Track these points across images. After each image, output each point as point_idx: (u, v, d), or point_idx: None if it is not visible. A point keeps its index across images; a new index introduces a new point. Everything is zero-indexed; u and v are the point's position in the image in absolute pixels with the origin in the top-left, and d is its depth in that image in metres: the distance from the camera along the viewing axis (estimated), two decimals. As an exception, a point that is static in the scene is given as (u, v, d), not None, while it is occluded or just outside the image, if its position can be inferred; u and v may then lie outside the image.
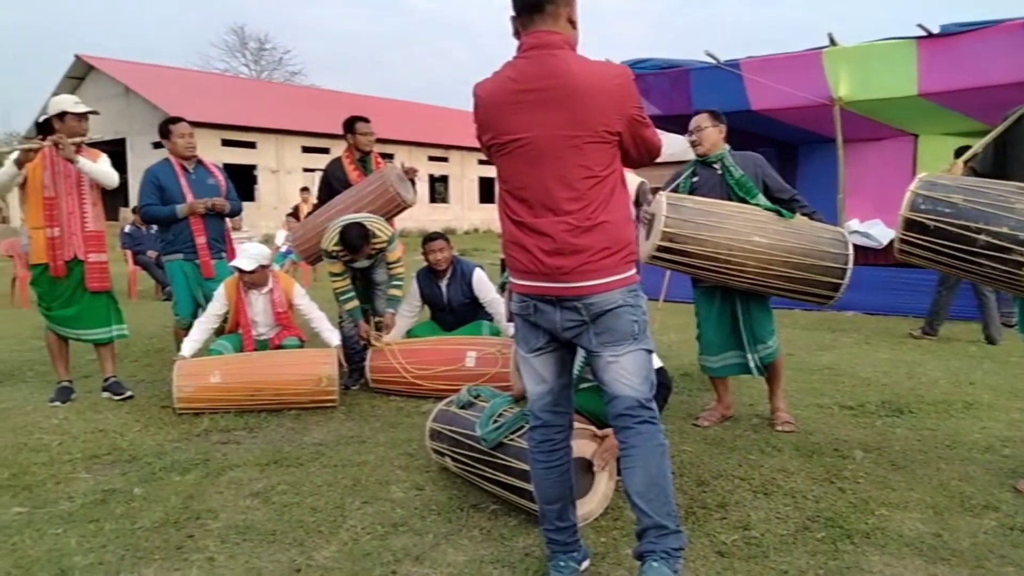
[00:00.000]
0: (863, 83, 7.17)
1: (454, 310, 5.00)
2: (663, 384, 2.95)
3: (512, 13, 2.15)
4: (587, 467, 2.69)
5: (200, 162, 4.85)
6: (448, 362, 4.40)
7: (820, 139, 9.08)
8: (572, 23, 2.14)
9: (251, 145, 25.91)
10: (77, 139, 4.22)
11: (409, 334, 5.12)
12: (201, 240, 4.68)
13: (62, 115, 4.24)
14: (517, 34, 2.16)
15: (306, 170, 26.55)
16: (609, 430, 2.74)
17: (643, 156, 2.19)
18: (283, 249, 10.15)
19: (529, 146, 2.08)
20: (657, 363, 2.98)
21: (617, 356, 2.09)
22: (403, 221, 5.13)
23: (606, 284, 2.07)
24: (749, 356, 3.79)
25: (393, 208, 4.92)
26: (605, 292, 2.06)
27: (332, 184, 5.22)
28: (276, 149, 26.32)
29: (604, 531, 2.62)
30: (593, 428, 2.77)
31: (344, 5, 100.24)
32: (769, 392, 3.95)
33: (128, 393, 4.44)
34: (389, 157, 5.46)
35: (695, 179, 3.80)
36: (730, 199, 3.64)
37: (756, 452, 3.42)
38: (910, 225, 2.84)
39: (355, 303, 4.77)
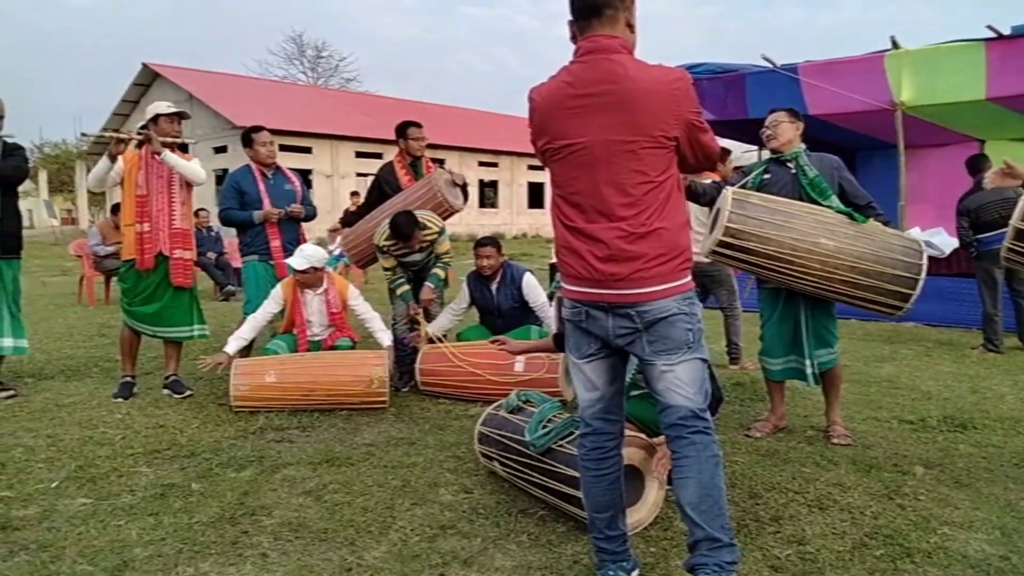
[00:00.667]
0: (927, 87, 6.95)
1: (503, 314, 5.02)
2: (713, 394, 2.89)
3: (569, 17, 2.13)
4: (637, 475, 2.67)
5: (278, 168, 5.04)
6: (497, 367, 4.41)
7: (880, 145, 8.84)
8: (630, 27, 2.12)
9: (307, 150, 26.49)
10: (168, 139, 4.41)
11: (459, 337, 5.17)
12: (276, 243, 4.85)
13: (156, 118, 4.44)
14: (574, 38, 2.14)
15: (359, 175, 27.01)
16: (663, 438, 2.71)
17: (700, 161, 2.16)
18: (336, 252, 10.32)
19: (584, 151, 2.06)
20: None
21: (671, 365, 2.06)
22: (452, 226, 5.19)
23: (660, 292, 2.03)
24: (807, 362, 3.69)
25: (441, 213, 5.00)
26: (659, 300, 2.03)
27: (383, 188, 5.32)
28: (331, 154, 26.86)
29: (654, 541, 2.59)
30: (644, 436, 2.74)
31: (398, 13, 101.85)
32: (825, 404, 3.85)
33: (188, 392, 4.57)
34: (440, 162, 5.51)
35: (766, 176, 3.69)
36: (801, 199, 3.53)
37: (811, 465, 3.33)
38: (1019, 235, 2.99)
39: (407, 287, 4.92)
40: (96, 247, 8.91)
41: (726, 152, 5.01)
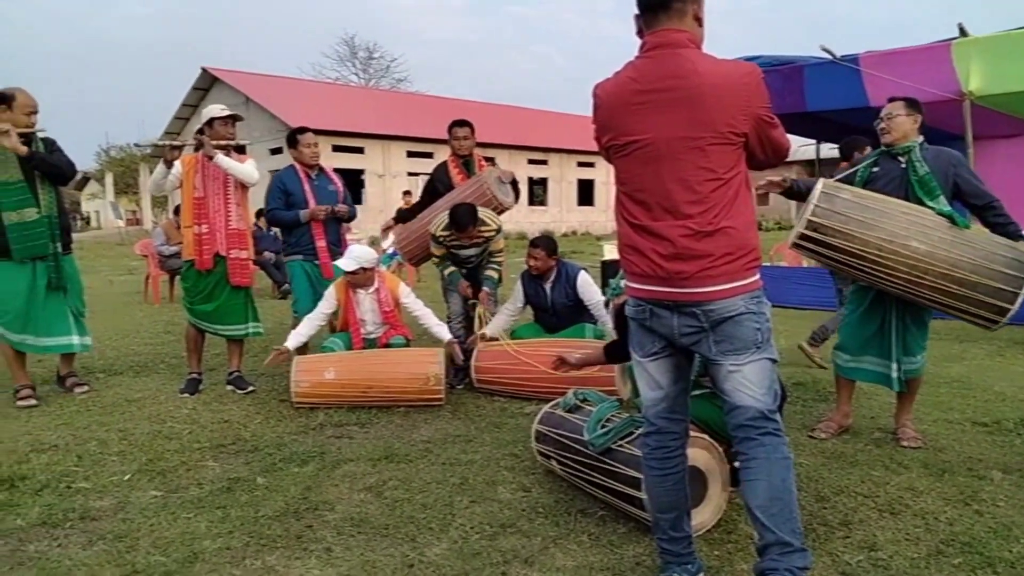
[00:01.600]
0: (997, 76, 6.67)
1: (557, 312, 5.00)
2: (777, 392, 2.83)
3: (635, 11, 2.09)
4: (700, 477, 2.62)
5: (322, 169, 5.13)
6: (551, 364, 4.38)
7: (947, 136, 8.48)
8: (698, 21, 2.08)
9: (359, 151, 26.89)
10: (223, 141, 4.53)
11: (512, 335, 5.16)
12: (321, 243, 4.93)
13: (210, 122, 4.56)
14: (640, 32, 2.10)
15: (410, 174, 27.29)
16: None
17: (770, 158, 2.11)
18: (389, 251, 10.45)
19: (649, 147, 2.03)
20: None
21: (739, 365, 2.02)
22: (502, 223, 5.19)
23: (727, 290, 1.99)
24: (893, 367, 3.53)
25: (491, 210, 5.00)
26: (725, 299, 1.99)
27: (437, 187, 5.37)
28: (383, 154, 27.21)
29: (717, 544, 2.54)
30: (706, 437, 2.69)
31: (446, 14, 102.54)
32: (897, 405, 3.72)
33: (251, 388, 4.69)
34: (491, 160, 5.52)
35: (875, 169, 3.54)
36: (907, 197, 3.38)
37: (880, 468, 3.22)
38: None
39: (453, 269, 4.99)
40: (161, 247, 9.22)
41: None
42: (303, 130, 5.12)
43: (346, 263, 4.60)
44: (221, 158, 4.47)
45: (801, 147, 24.52)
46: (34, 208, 4.30)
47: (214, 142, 4.47)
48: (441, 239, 4.83)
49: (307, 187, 4.98)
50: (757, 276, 2.06)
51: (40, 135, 4.40)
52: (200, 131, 4.58)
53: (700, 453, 2.61)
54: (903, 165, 3.46)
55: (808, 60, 7.65)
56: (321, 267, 4.96)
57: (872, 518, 2.72)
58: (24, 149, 4.18)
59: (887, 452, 3.44)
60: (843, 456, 3.40)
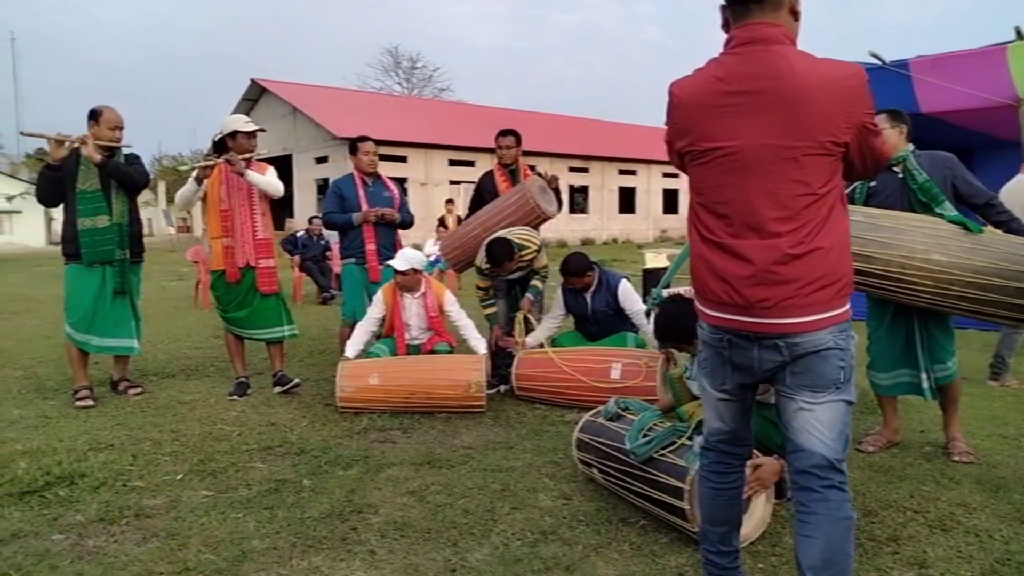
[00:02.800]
0: (1057, 80, 6.44)
1: (598, 321, 4.99)
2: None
3: (722, 2, 1.92)
4: (743, 488, 2.59)
5: (379, 177, 5.26)
6: (593, 373, 4.40)
7: (1001, 143, 8.25)
8: (795, 14, 1.88)
9: (402, 159, 27.20)
10: (247, 155, 4.64)
11: (554, 343, 5.18)
12: (371, 247, 5.05)
13: (233, 134, 4.67)
14: (726, 26, 1.90)
15: (452, 182, 27.51)
16: (762, 459, 2.62)
17: (869, 169, 1.91)
18: (432, 258, 10.57)
19: (735, 156, 1.83)
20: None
21: (813, 404, 1.83)
22: (542, 231, 5.20)
23: (815, 322, 1.79)
24: (923, 376, 3.49)
25: (534, 219, 5.03)
26: (813, 331, 1.79)
27: (483, 195, 5.41)
28: (425, 163, 27.48)
29: (761, 556, 2.52)
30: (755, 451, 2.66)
31: (489, 22, 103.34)
32: (944, 419, 3.63)
33: (296, 381, 4.83)
34: (534, 169, 5.55)
35: (872, 184, 3.50)
36: (912, 207, 3.35)
37: (930, 483, 3.14)
38: None
39: (494, 309, 5.00)
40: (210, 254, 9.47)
41: None
42: (364, 139, 5.26)
43: (399, 263, 4.69)
44: (250, 174, 4.58)
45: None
46: (106, 216, 4.51)
47: (238, 155, 4.57)
48: (485, 271, 4.87)
49: (362, 193, 5.12)
50: (848, 306, 1.85)
51: (125, 150, 4.65)
52: (222, 141, 4.69)
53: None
54: (900, 175, 3.42)
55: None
56: (369, 270, 5.06)
57: (922, 534, 2.65)
58: (99, 157, 4.40)
59: (937, 467, 3.35)
60: (891, 470, 3.33)
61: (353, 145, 5.24)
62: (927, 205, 3.32)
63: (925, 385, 3.50)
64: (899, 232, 3.17)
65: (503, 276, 4.92)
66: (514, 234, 4.78)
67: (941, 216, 3.26)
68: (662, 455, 2.72)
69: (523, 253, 4.78)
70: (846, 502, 1.85)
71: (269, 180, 4.71)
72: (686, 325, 2.93)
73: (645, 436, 2.82)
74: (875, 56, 7.28)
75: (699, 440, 2.61)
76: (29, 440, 3.79)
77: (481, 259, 4.84)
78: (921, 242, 3.14)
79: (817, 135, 1.77)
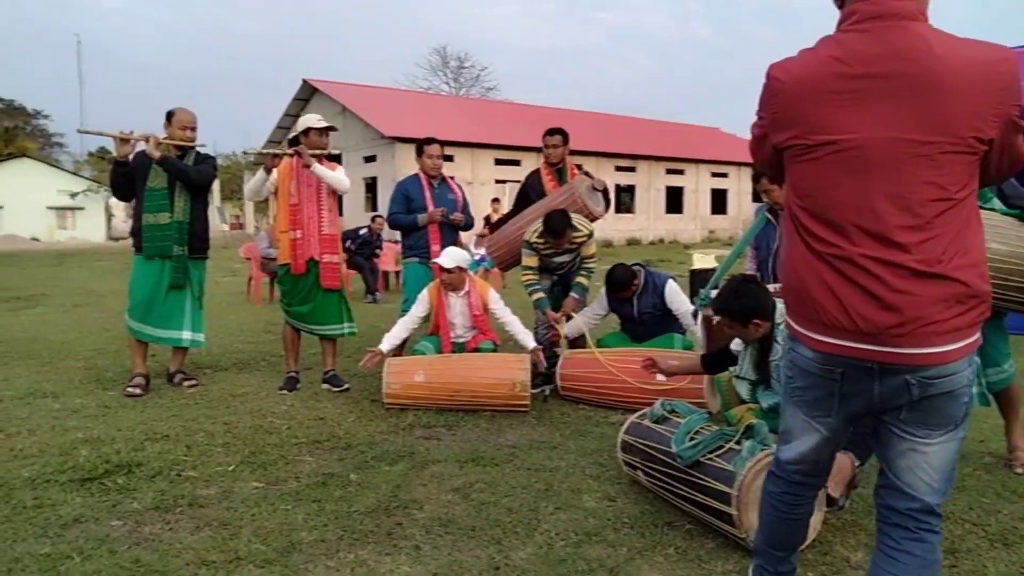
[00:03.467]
0: None
1: (644, 321, 4.95)
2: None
3: None
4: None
5: (444, 179, 5.34)
6: (638, 374, 4.35)
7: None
8: None
9: (449, 158, 27.35)
10: (318, 151, 4.74)
11: (598, 344, 5.15)
12: (436, 247, 5.12)
13: (307, 131, 4.78)
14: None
15: (498, 181, 27.59)
16: (839, 455, 2.53)
17: (1003, 173, 1.65)
18: (476, 256, 10.60)
19: (855, 151, 1.57)
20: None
21: (929, 444, 1.64)
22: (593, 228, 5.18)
23: (954, 352, 1.56)
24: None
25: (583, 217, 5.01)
26: (951, 363, 1.56)
27: (529, 194, 5.42)
28: (472, 162, 27.64)
29: (812, 565, 2.46)
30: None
31: (535, 22, 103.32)
32: (1005, 426, 3.49)
33: (345, 386, 4.87)
34: (581, 168, 5.54)
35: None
36: None
37: (990, 495, 3.03)
38: None
39: (541, 295, 4.97)
40: (267, 250, 9.67)
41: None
42: (430, 140, 5.33)
43: (446, 260, 4.73)
44: (317, 167, 4.67)
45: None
46: (168, 213, 4.68)
47: (309, 151, 4.67)
48: (535, 245, 4.86)
49: (428, 194, 5.20)
50: (979, 332, 1.62)
51: (199, 150, 4.83)
52: (295, 139, 4.79)
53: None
54: None
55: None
56: (434, 269, 5.12)
57: (982, 548, 2.56)
58: (157, 154, 4.57)
59: (998, 478, 3.23)
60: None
61: (419, 147, 5.31)
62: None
63: (974, 390, 3.36)
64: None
65: (553, 253, 4.88)
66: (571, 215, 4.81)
67: (992, 211, 3.12)
68: (709, 459, 2.68)
69: (575, 235, 4.78)
70: (939, 544, 1.71)
71: (336, 175, 4.79)
72: (753, 304, 2.89)
73: (692, 439, 2.78)
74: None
75: (748, 445, 2.57)
76: (90, 429, 3.93)
77: (533, 232, 4.83)
78: None
79: (960, 129, 1.51)
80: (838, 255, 1.60)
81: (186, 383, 4.92)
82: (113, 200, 36.13)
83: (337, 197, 4.91)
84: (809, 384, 1.75)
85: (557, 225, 4.67)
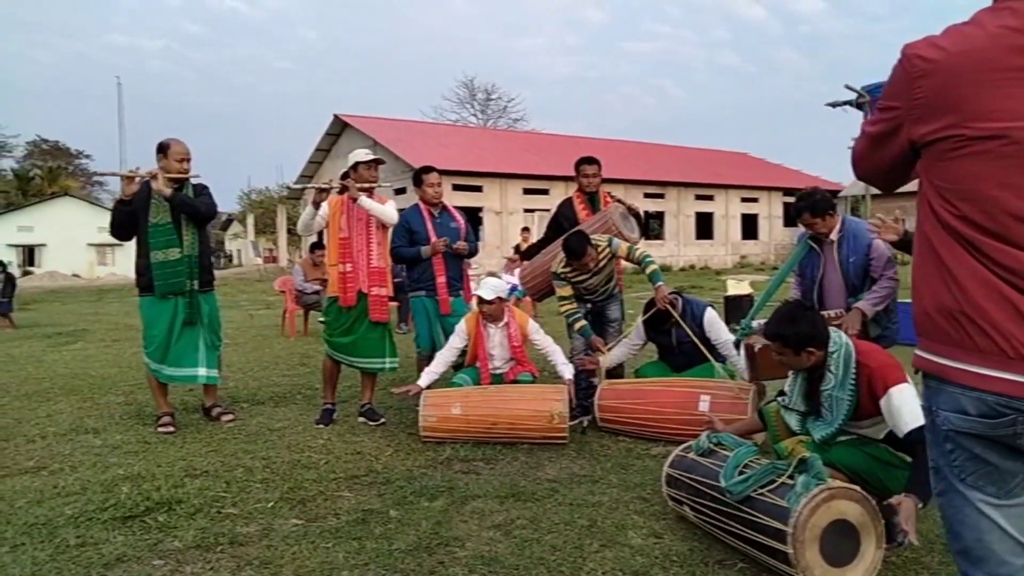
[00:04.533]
0: None
1: (684, 351, 4.86)
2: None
3: None
4: (852, 532, 2.43)
5: (445, 207, 5.29)
6: (680, 405, 4.27)
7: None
8: None
9: (478, 189, 27.62)
10: (367, 185, 4.77)
11: (636, 374, 5.08)
12: (441, 279, 5.07)
13: (355, 166, 4.82)
14: None
15: (527, 210, 27.70)
16: (898, 498, 2.43)
17: None
18: (508, 285, 10.59)
19: None
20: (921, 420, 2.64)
21: None
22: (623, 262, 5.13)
23: None
24: None
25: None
26: None
27: (561, 223, 5.39)
28: (500, 192, 27.82)
29: (873, 606, 2.35)
30: (858, 489, 2.51)
31: (562, 54, 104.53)
32: None
33: (382, 420, 4.84)
34: (613, 196, 5.51)
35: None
36: None
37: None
38: None
39: (584, 323, 4.88)
40: (303, 283, 9.76)
41: (825, 205, 3.94)
42: (428, 169, 5.30)
43: (486, 292, 4.70)
44: (364, 200, 4.70)
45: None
46: (177, 248, 4.67)
47: (358, 185, 4.70)
48: (563, 275, 4.83)
49: (429, 224, 5.14)
50: None
51: (193, 180, 4.80)
52: (346, 174, 4.84)
53: (852, 506, 2.43)
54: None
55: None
56: (439, 303, 5.07)
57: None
58: (168, 191, 4.58)
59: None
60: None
61: (417, 176, 5.25)
62: None
63: None
64: None
65: (583, 277, 4.82)
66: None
67: None
68: (760, 494, 2.59)
69: (598, 252, 4.75)
70: None
71: (384, 208, 4.80)
72: (809, 331, 2.80)
73: (741, 473, 2.69)
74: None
75: (801, 479, 2.48)
76: (131, 465, 3.95)
77: (558, 263, 4.81)
78: None
79: None
80: (1013, 268, 1.32)
81: (224, 417, 4.93)
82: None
83: (386, 231, 4.92)
84: (980, 451, 1.39)
85: (575, 244, 4.64)
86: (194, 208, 4.71)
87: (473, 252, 5.34)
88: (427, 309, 5.14)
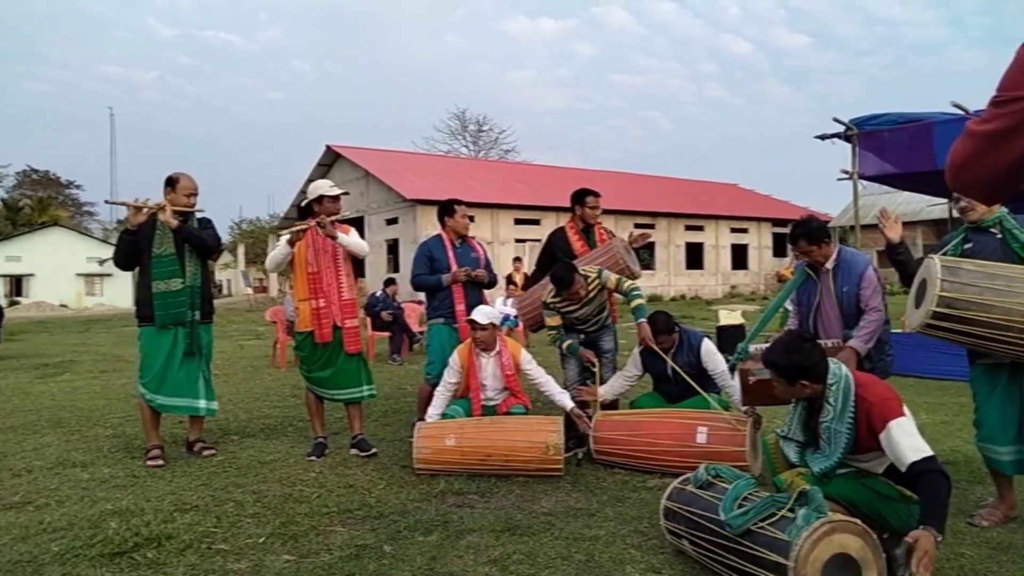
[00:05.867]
0: None
1: (679, 381, 4.84)
2: (942, 472, 2.58)
3: None
4: (852, 565, 2.41)
5: (465, 239, 5.34)
6: (677, 437, 4.24)
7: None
8: None
9: (469, 219, 27.69)
10: (333, 217, 4.78)
11: (632, 405, 5.05)
12: (461, 307, 5.09)
13: (320, 198, 4.82)
14: None
15: (518, 240, 27.77)
16: (918, 533, 2.40)
17: None
18: (503, 316, 10.58)
19: None
20: (927, 450, 2.64)
21: None
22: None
23: None
24: None
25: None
26: None
27: (555, 253, 5.39)
28: (491, 222, 27.90)
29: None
30: (858, 521, 2.48)
31: (552, 86, 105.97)
32: (1007, 483, 3.34)
33: (373, 450, 4.79)
34: (607, 230, 5.55)
35: (967, 246, 3.35)
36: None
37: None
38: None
39: (571, 341, 4.93)
40: (293, 314, 9.70)
41: (821, 233, 3.95)
42: (458, 202, 5.39)
43: (479, 316, 4.71)
44: (342, 237, 4.72)
45: (928, 206, 23.28)
46: (180, 279, 4.66)
47: (330, 219, 4.70)
48: (553, 305, 4.85)
49: (451, 254, 5.20)
50: None
51: (198, 215, 4.84)
52: (308, 207, 4.84)
53: (853, 540, 2.41)
54: (999, 235, 3.26)
55: (938, 117, 7.30)
56: (460, 330, 5.08)
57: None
58: (175, 223, 4.59)
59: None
60: (1012, 547, 3.05)
61: (448, 208, 5.31)
62: None
63: (1011, 458, 3.25)
64: (1015, 280, 2.98)
65: (573, 308, 4.84)
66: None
67: None
68: (760, 528, 2.56)
69: (587, 281, 4.78)
70: None
71: (357, 240, 4.85)
72: (802, 363, 2.81)
73: (741, 507, 2.67)
74: (958, 106, 7.07)
75: (802, 513, 2.46)
76: (119, 500, 3.87)
77: (548, 293, 4.84)
78: None
79: None
80: None
81: (205, 451, 4.84)
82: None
83: (353, 262, 4.93)
84: None
85: (563, 274, 4.68)
86: (201, 240, 4.74)
87: (493, 282, 5.35)
88: (445, 337, 5.14)
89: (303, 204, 4.94)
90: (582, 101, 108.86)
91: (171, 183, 4.74)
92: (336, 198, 4.87)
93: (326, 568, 2.98)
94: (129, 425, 5.86)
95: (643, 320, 4.79)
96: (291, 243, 4.76)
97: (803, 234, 3.92)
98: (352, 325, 4.84)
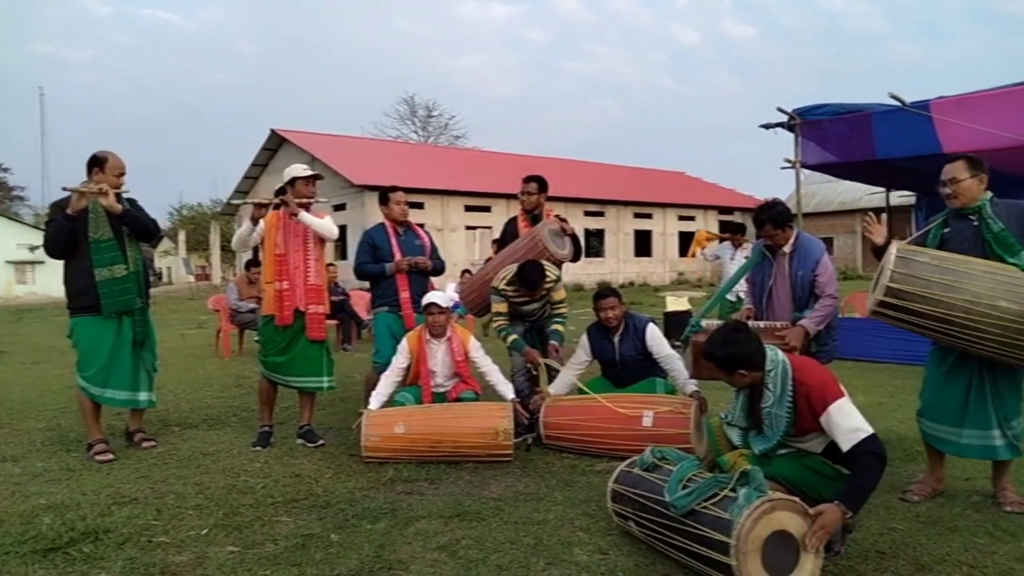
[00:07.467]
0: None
1: (626, 366, 4.91)
2: (878, 454, 2.68)
3: None
4: (791, 542, 2.48)
5: (409, 226, 5.25)
6: (624, 421, 4.30)
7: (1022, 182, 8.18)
8: None
9: (419, 206, 27.45)
10: (305, 200, 4.68)
11: (580, 391, 5.09)
12: (405, 295, 5.03)
13: (292, 181, 4.71)
14: None
15: (468, 227, 27.69)
16: (824, 507, 2.51)
17: None
18: (451, 303, 10.54)
19: None
20: (867, 429, 2.73)
21: None
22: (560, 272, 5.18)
23: None
24: (995, 433, 3.30)
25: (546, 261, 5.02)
26: None
27: (507, 241, 5.43)
28: (441, 209, 27.73)
29: (814, 616, 2.39)
30: (797, 500, 2.56)
31: (503, 72, 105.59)
32: (994, 470, 3.49)
33: (321, 442, 4.72)
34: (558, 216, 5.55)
35: (946, 230, 3.43)
36: (986, 255, 3.23)
37: (984, 535, 3.01)
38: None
39: (515, 336, 4.93)
40: (237, 302, 9.48)
41: (786, 216, 4.10)
42: (394, 188, 5.28)
43: (440, 299, 4.72)
44: (304, 215, 4.62)
45: (867, 195, 24.04)
46: (123, 265, 4.46)
47: (296, 200, 4.61)
48: (504, 293, 4.84)
49: (394, 242, 5.11)
50: None
51: (125, 195, 4.60)
52: (282, 190, 4.73)
53: (792, 518, 2.48)
54: (975, 223, 3.34)
55: (876, 108, 7.51)
56: (404, 318, 5.03)
57: (982, 591, 2.52)
58: (119, 208, 4.39)
59: (989, 518, 3.22)
60: (941, 521, 3.19)
61: (384, 195, 5.23)
62: (1001, 255, 3.21)
63: (1000, 443, 3.32)
64: (965, 276, 3.07)
65: (524, 302, 4.87)
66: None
67: (1016, 266, 3.15)
68: (704, 507, 2.62)
69: (545, 282, 4.79)
70: None
71: (324, 223, 4.74)
72: (738, 353, 2.87)
73: (685, 487, 2.72)
74: (895, 97, 7.28)
75: (743, 492, 2.52)
76: (53, 494, 3.73)
77: (502, 279, 4.83)
78: (989, 288, 3.03)
79: None
80: None
81: (145, 443, 4.69)
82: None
83: (323, 246, 4.84)
84: None
85: (533, 276, 4.68)
86: (144, 225, 4.56)
87: (439, 269, 5.30)
88: (389, 324, 5.08)
89: (278, 188, 4.82)
90: (533, 88, 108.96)
91: (99, 163, 4.44)
92: (310, 180, 4.77)
93: (271, 558, 2.93)
94: (64, 417, 5.65)
95: (553, 343, 4.93)
96: (253, 220, 4.65)
97: (769, 218, 4.00)
98: (316, 311, 4.73)
